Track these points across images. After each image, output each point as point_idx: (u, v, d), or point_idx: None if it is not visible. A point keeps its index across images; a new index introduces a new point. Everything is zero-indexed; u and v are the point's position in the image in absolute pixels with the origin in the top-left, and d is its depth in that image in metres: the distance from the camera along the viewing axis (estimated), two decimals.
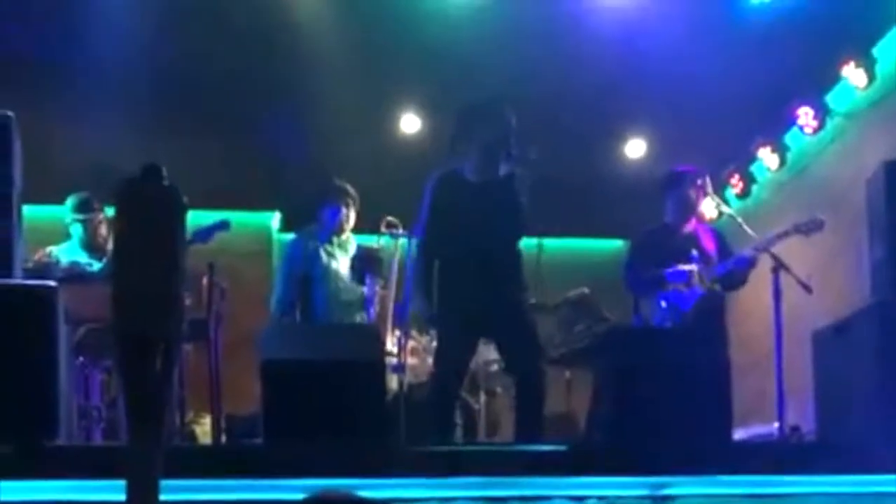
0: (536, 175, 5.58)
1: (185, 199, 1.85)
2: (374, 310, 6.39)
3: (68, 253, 6.26)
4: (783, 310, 5.78)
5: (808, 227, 5.88)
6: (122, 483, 1.94)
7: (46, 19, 7.09)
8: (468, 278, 5.46)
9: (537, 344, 5.63)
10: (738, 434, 5.81)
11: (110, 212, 6.27)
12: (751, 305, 6.87)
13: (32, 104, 7.23)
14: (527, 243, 5.68)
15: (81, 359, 5.50)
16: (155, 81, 7.47)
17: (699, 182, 6.30)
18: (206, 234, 5.66)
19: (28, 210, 4.74)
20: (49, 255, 6.15)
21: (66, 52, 7.19)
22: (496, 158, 5.53)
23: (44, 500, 3.78)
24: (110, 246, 6.03)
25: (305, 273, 6.41)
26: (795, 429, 6.08)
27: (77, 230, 6.36)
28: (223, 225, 5.82)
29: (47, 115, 7.23)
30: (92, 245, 6.33)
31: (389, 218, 6.43)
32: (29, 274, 5.52)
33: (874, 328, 4.83)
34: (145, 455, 1.87)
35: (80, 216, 6.31)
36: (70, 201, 6.40)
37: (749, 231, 6.21)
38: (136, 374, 1.82)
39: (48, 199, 6.78)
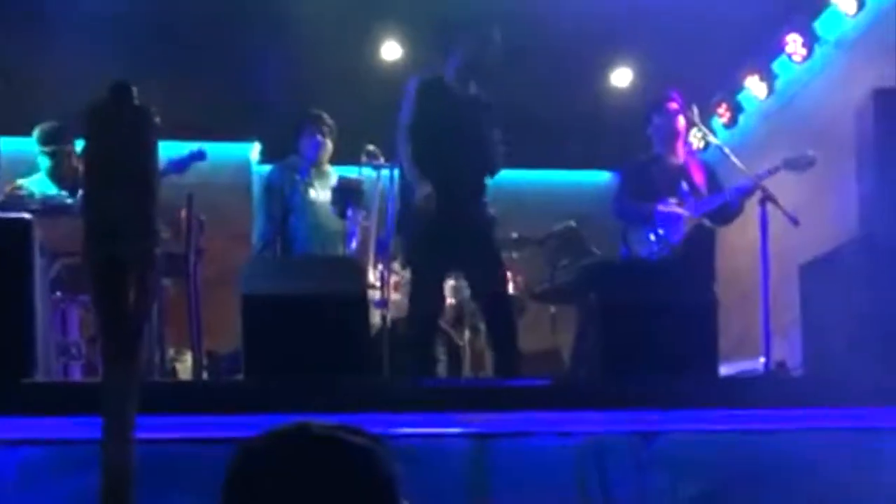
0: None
1: (157, 119, 1.77)
2: (356, 242, 6.30)
3: (38, 185, 6.06)
4: (770, 243, 5.73)
5: (800, 164, 5.81)
6: (99, 420, 1.89)
7: None
8: (441, 196, 5.37)
9: (503, 279, 5.61)
10: (724, 370, 5.79)
11: (80, 144, 6.16)
12: (737, 239, 6.81)
13: (5, 36, 7.08)
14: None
15: (59, 294, 5.41)
16: (130, 13, 7.28)
17: (684, 109, 6.20)
18: (181, 164, 5.53)
19: (8, 143, 4.61)
20: (19, 187, 5.97)
21: None
22: (475, 73, 5.51)
23: (21, 438, 3.73)
24: (81, 177, 5.90)
25: (285, 204, 6.31)
26: (781, 364, 6.06)
27: (45, 162, 6.08)
28: (199, 155, 5.69)
29: (21, 47, 7.06)
30: (61, 177, 6.04)
31: (370, 147, 6.33)
32: (2, 207, 5.41)
33: (862, 260, 4.80)
34: (121, 387, 1.83)
35: (48, 147, 6.09)
36: (37, 132, 6.11)
37: (737, 162, 6.13)
38: (110, 301, 1.76)
39: (22, 132, 6.61)
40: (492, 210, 5.60)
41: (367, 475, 1.53)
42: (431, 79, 5.56)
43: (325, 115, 6.41)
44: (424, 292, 5.51)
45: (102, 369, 1.86)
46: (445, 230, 5.36)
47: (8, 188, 5.86)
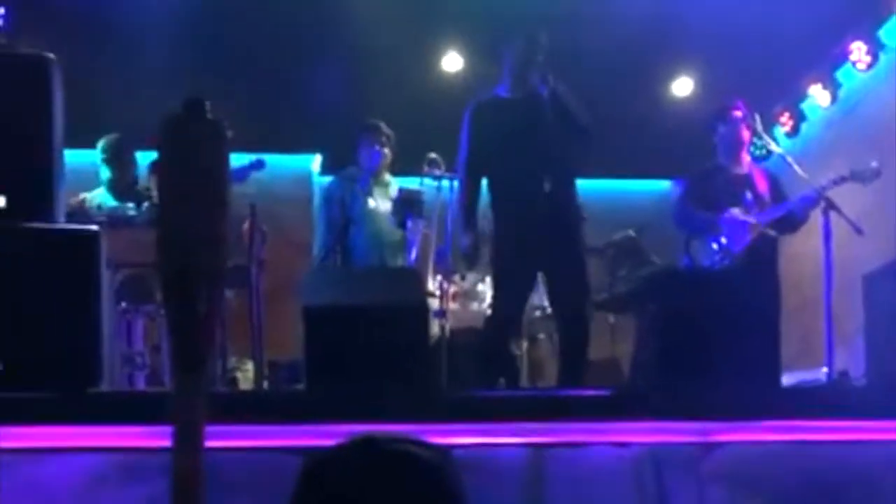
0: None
1: (230, 133, 1.81)
2: (416, 252, 6.34)
3: (101, 198, 6.20)
4: (833, 252, 5.66)
5: (866, 175, 5.76)
6: (165, 429, 1.93)
7: None
8: (520, 201, 5.40)
9: (586, 286, 5.57)
10: (786, 379, 5.72)
11: (143, 156, 6.28)
12: (799, 248, 6.74)
13: (76, 51, 7.22)
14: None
15: (124, 304, 5.51)
16: (195, 25, 7.40)
17: (748, 118, 6.17)
18: (241, 173, 5.61)
19: (71, 155, 4.70)
20: (84, 201, 6.10)
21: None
22: (524, 77, 5.51)
23: (87, 447, 3.80)
24: (141, 190, 6.01)
25: (345, 215, 6.37)
26: (844, 374, 5.98)
27: (106, 173, 6.22)
28: (259, 164, 5.77)
29: (85, 59, 7.19)
30: (122, 189, 6.17)
31: (432, 155, 6.37)
32: (69, 219, 5.52)
33: None
34: (191, 396, 1.85)
35: (111, 159, 6.21)
36: (101, 144, 6.26)
37: (799, 171, 6.07)
38: (181, 311, 1.79)
39: (85, 145, 6.74)
40: (580, 209, 5.58)
41: (436, 490, 1.53)
42: (483, 101, 5.62)
43: (383, 125, 6.46)
44: (507, 298, 5.52)
45: (173, 379, 1.88)
46: (529, 236, 5.38)
47: (73, 200, 5.99)
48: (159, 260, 1.82)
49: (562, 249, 5.42)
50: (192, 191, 1.81)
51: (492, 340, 5.56)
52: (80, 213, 5.77)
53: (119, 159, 6.20)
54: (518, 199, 5.43)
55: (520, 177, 5.43)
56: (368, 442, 1.56)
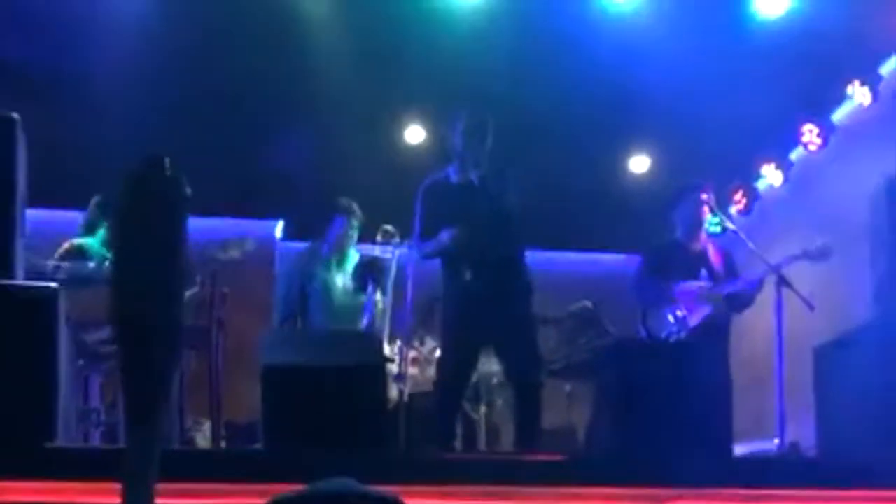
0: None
1: (188, 190, 1.85)
2: (369, 319, 6.41)
3: (96, 244, 6.12)
4: (785, 326, 5.77)
5: (818, 254, 5.90)
6: (118, 486, 1.93)
7: (52, 26, 7.10)
8: (466, 283, 5.49)
9: (538, 355, 5.65)
10: (739, 449, 5.79)
11: None
12: (753, 322, 6.85)
13: (40, 110, 7.26)
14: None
15: (81, 362, 5.49)
16: (161, 89, 7.48)
17: (706, 197, 6.33)
18: None
19: (35, 214, 4.72)
20: (73, 245, 6.04)
21: (73, 59, 7.19)
22: (468, 160, 5.63)
23: (42, 502, 3.77)
24: None
25: (305, 288, 6.52)
26: (795, 445, 6.06)
27: (102, 229, 6.17)
28: None
29: (55, 121, 7.23)
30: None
31: (387, 227, 6.45)
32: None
33: (876, 343, 4.83)
34: (143, 449, 1.85)
35: (102, 217, 6.18)
36: (95, 199, 6.25)
37: (753, 248, 6.22)
38: (135, 364, 1.80)
39: (52, 204, 6.75)
40: (529, 282, 5.66)
41: None
42: (433, 181, 5.74)
43: (356, 206, 6.57)
44: (453, 367, 5.58)
45: (125, 432, 1.88)
46: (480, 309, 5.46)
47: (65, 247, 5.95)
48: (112, 310, 1.83)
49: (511, 321, 5.51)
50: (147, 245, 1.84)
51: (438, 406, 5.62)
52: (76, 254, 5.77)
53: (107, 218, 6.18)
54: (465, 274, 5.53)
55: (468, 253, 5.53)
56: (327, 495, 1.59)
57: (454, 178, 5.72)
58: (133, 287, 1.84)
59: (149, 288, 1.83)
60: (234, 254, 5.82)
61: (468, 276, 5.51)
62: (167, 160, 1.90)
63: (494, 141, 5.66)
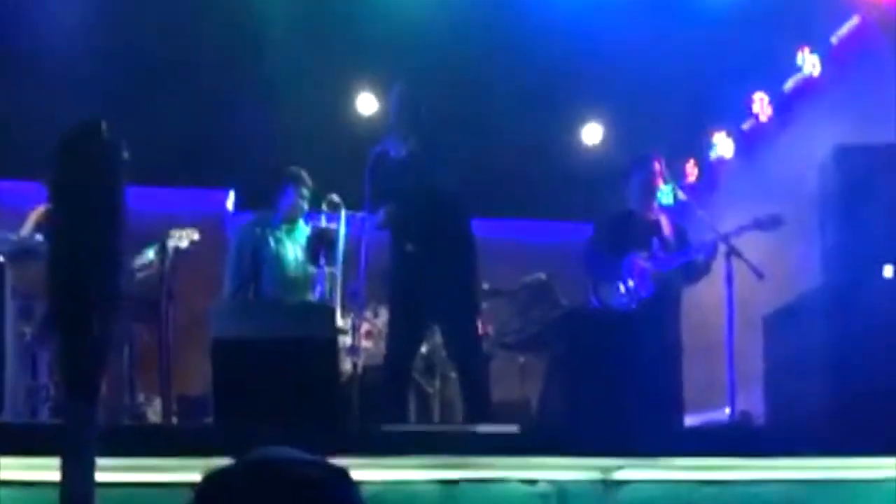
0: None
1: (126, 154, 1.77)
2: (321, 290, 6.36)
3: None
4: (735, 296, 5.81)
5: (768, 223, 5.93)
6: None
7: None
8: (407, 255, 5.49)
9: (475, 331, 5.66)
10: (690, 420, 5.84)
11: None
12: (703, 292, 6.90)
13: None
14: None
15: (29, 336, 5.41)
16: (109, 59, 7.36)
17: (658, 167, 6.35)
18: None
19: None
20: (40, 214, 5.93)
21: (22, 31, 7.08)
22: (399, 136, 5.68)
23: None
24: None
25: (256, 258, 6.44)
26: (745, 414, 6.12)
27: None
28: None
29: (4, 92, 7.12)
30: None
31: (333, 197, 6.38)
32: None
33: (824, 311, 4.87)
34: (81, 425, 1.79)
35: None
36: None
37: (704, 218, 6.24)
38: (71, 337, 1.74)
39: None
40: (472, 256, 5.66)
41: None
42: (377, 154, 5.74)
43: (306, 175, 6.50)
44: (400, 338, 5.57)
45: (63, 406, 1.83)
46: (421, 282, 5.46)
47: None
48: (48, 281, 1.75)
49: (450, 296, 5.51)
50: (83, 212, 1.75)
51: (387, 379, 5.63)
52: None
53: None
54: (405, 246, 5.56)
55: (406, 227, 5.54)
56: (263, 464, 1.54)
57: (392, 151, 5.73)
58: (68, 254, 1.76)
59: (85, 255, 1.74)
60: (182, 244, 5.76)
61: (409, 248, 5.51)
62: (104, 123, 1.82)
63: (448, 108, 5.65)
